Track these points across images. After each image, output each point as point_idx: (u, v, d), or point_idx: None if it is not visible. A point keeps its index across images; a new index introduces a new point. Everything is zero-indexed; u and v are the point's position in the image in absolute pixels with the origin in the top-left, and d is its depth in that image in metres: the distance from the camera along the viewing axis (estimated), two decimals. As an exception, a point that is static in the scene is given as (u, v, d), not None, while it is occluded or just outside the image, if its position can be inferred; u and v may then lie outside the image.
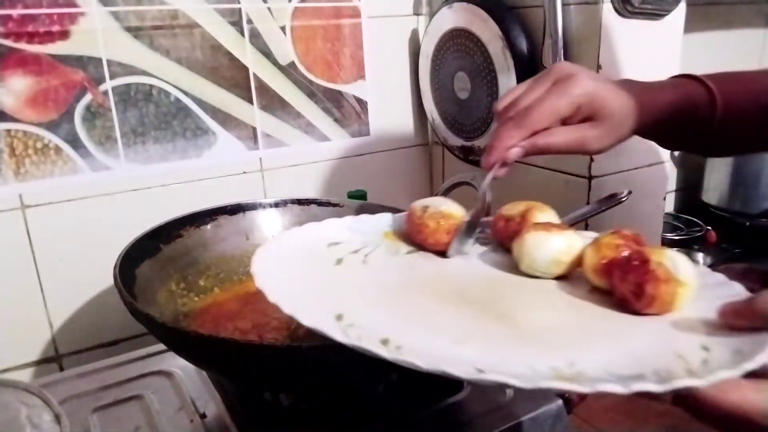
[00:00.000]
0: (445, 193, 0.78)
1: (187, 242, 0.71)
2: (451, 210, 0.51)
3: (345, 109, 1.01)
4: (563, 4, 0.78)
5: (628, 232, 0.42)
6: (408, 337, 0.34)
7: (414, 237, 0.51)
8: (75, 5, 0.77)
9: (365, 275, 0.45)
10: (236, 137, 0.92)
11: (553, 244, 0.43)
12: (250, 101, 0.92)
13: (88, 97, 0.80)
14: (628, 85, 0.55)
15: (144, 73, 0.83)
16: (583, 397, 0.64)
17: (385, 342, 0.33)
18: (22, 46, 0.75)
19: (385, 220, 0.55)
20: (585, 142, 0.50)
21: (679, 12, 0.80)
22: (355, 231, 0.52)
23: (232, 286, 0.72)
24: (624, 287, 0.39)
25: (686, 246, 1.24)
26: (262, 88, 0.93)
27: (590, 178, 0.81)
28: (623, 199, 0.62)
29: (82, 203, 0.83)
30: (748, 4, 1.34)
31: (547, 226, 0.45)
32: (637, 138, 0.59)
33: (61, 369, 0.86)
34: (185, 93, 0.87)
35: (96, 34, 0.79)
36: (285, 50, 0.93)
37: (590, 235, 0.45)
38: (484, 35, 0.88)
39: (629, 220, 0.85)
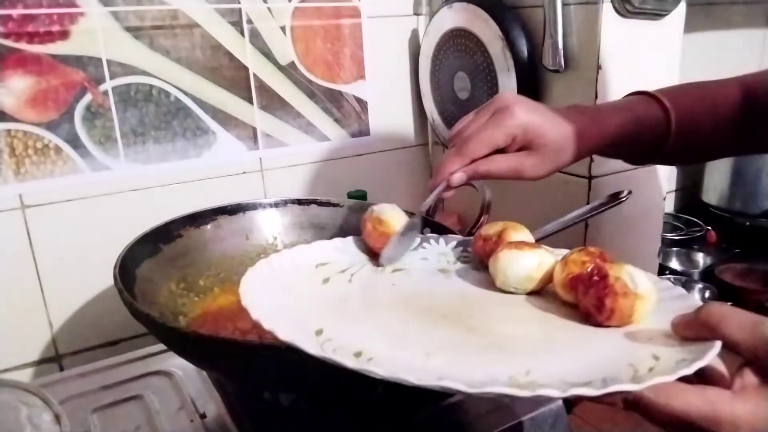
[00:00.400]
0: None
1: (187, 242, 0.71)
2: (389, 218, 0.53)
3: (345, 109, 1.01)
4: (563, 4, 0.78)
5: (594, 249, 0.45)
6: (381, 350, 0.36)
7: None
8: (75, 5, 0.77)
9: (349, 293, 0.48)
10: (236, 137, 0.92)
11: (525, 261, 0.46)
12: (250, 101, 0.92)
13: (88, 97, 0.80)
14: (575, 114, 0.57)
15: (144, 73, 0.83)
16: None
17: (358, 354, 0.35)
18: (22, 46, 0.75)
19: None
20: (522, 169, 0.54)
21: (679, 12, 0.80)
22: (343, 251, 0.54)
23: (232, 286, 0.72)
24: (587, 301, 0.41)
25: (686, 246, 1.24)
26: (262, 88, 0.93)
27: (590, 178, 0.81)
28: (623, 199, 0.62)
29: (82, 203, 0.83)
30: (748, 4, 1.34)
31: (519, 244, 0.48)
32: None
33: (61, 369, 0.86)
34: (185, 93, 0.87)
35: (96, 34, 0.79)
36: (285, 50, 0.93)
37: (562, 252, 0.48)
38: (484, 35, 0.88)
39: (629, 220, 0.85)
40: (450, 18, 0.93)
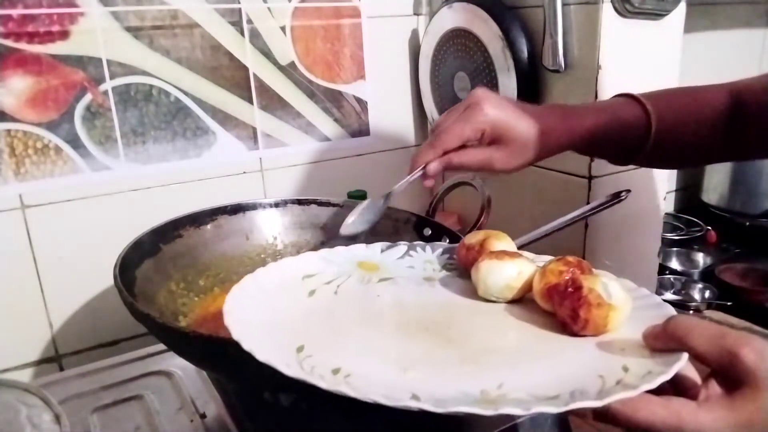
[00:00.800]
0: (446, 192, 0.78)
1: (187, 242, 0.71)
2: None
3: (345, 109, 1.01)
4: (563, 4, 0.78)
5: (572, 258, 0.45)
6: (358, 366, 0.37)
7: None
8: (75, 5, 0.77)
9: (334, 305, 0.48)
10: (236, 137, 0.92)
11: (505, 271, 0.47)
12: (250, 101, 0.92)
13: (88, 97, 0.80)
14: (546, 112, 0.59)
15: (144, 73, 0.83)
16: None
17: (336, 371, 0.36)
18: (22, 46, 0.75)
19: (358, 250, 0.57)
20: (492, 162, 0.56)
21: (679, 12, 0.80)
22: (330, 262, 0.54)
23: (232, 286, 0.72)
24: (562, 311, 0.42)
25: (686, 246, 1.24)
26: (262, 88, 0.93)
27: (590, 178, 0.81)
28: (623, 198, 0.62)
29: (82, 203, 0.83)
30: (748, 4, 1.34)
31: (500, 254, 0.48)
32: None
33: (61, 369, 0.86)
34: (185, 93, 0.87)
35: (96, 34, 0.79)
36: (285, 50, 0.93)
37: (544, 259, 0.48)
38: (484, 35, 0.88)
39: (629, 219, 0.86)
40: (450, 18, 0.93)
